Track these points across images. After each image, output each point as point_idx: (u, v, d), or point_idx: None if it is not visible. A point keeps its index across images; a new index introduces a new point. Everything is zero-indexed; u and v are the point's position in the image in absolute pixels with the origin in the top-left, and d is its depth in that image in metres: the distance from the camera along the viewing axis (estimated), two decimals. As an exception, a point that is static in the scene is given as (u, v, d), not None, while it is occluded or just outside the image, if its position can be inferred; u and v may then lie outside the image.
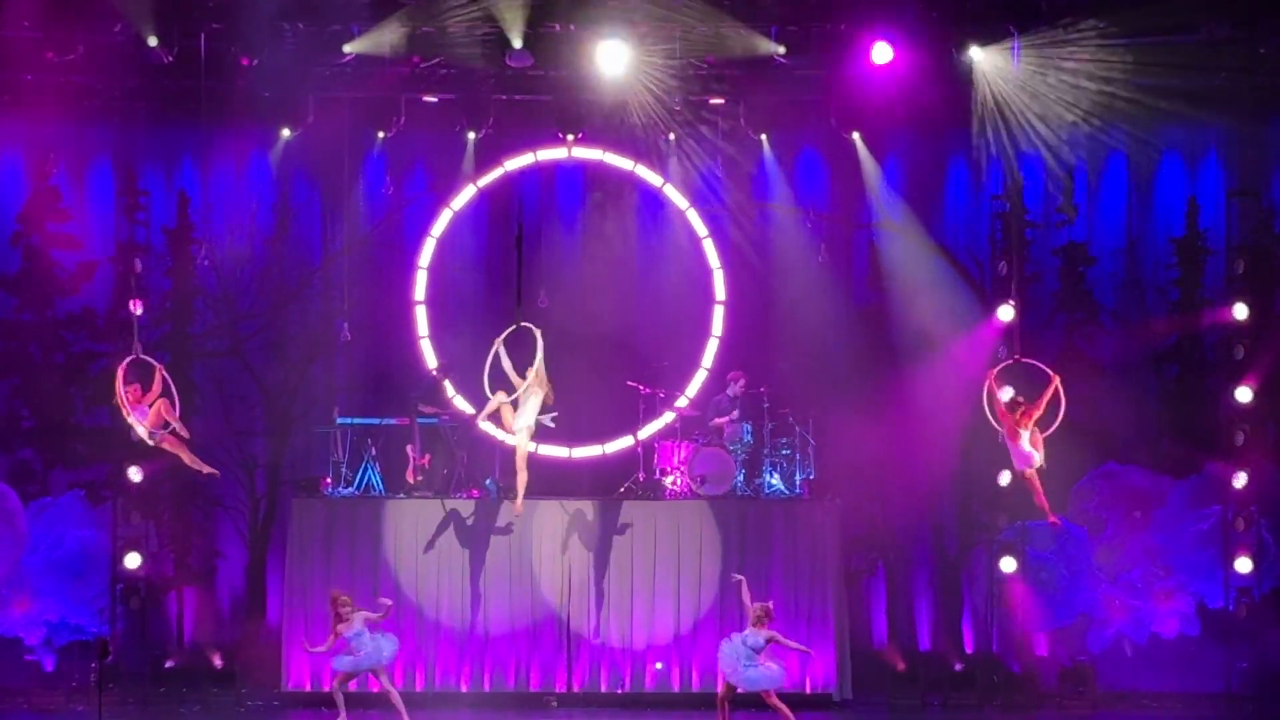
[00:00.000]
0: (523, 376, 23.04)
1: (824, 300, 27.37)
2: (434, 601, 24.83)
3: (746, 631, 21.45)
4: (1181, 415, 26.97)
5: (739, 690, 21.53)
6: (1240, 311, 25.87)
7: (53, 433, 26.78)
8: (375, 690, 22.61)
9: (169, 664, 26.17)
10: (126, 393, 22.27)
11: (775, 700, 21.50)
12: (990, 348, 25.33)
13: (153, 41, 24.65)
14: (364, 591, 24.63)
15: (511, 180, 27.54)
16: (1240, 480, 25.61)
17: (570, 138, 26.99)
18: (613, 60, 24.91)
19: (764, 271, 27.71)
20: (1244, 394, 25.62)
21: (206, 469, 22.90)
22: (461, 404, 26.26)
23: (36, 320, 27.18)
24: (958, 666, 26.25)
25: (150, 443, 22.47)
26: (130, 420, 22.34)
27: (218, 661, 26.08)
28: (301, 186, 27.72)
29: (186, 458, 22.61)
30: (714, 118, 26.83)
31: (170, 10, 24.69)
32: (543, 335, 23.10)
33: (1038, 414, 21.97)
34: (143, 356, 22.76)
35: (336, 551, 25.04)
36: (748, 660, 21.34)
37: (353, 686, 22.34)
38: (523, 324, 23.28)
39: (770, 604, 21.59)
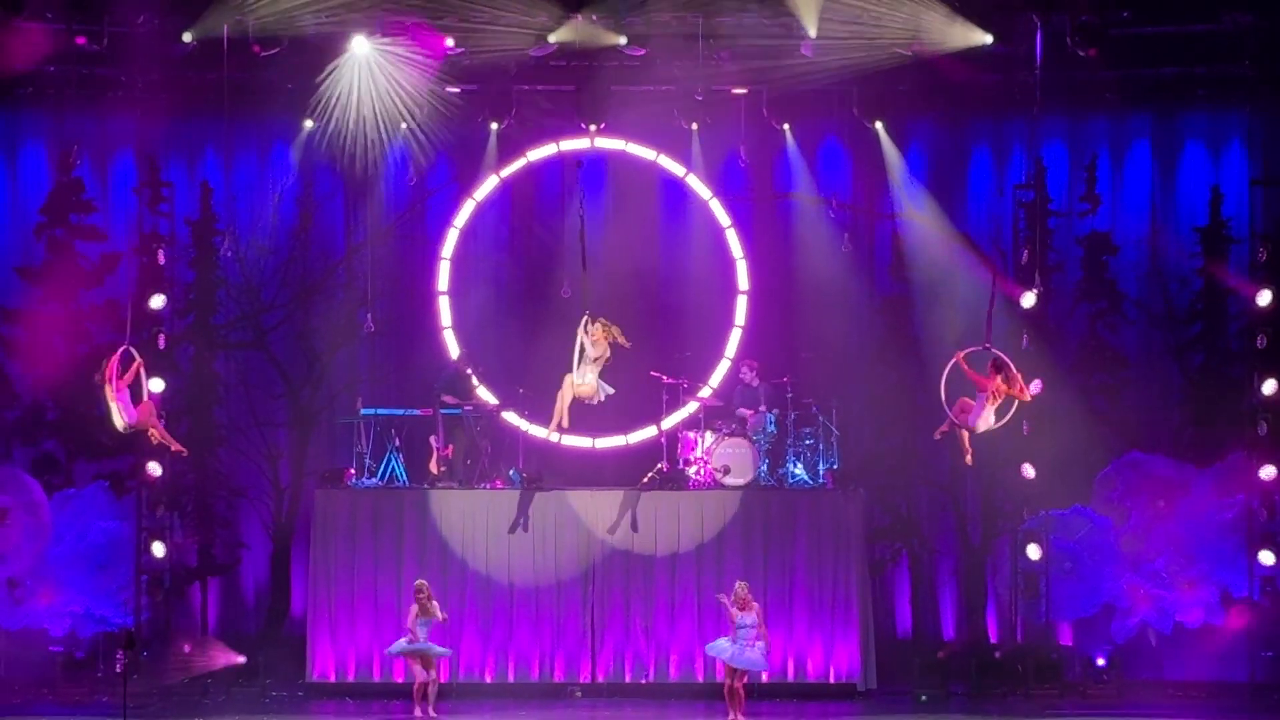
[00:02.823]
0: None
1: (847, 290, 27.35)
2: (458, 592, 24.85)
3: (739, 614, 21.97)
4: (1205, 404, 26.90)
5: (736, 669, 22.10)
6: (1264, 300, 25.79)
7: (77, 424, 26.73)
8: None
9: (192, 654, 26.17)
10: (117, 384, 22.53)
11: (740, 687, 22.23)
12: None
13: (187, 37, 24.77)
14: (388, 583, 24.72)
15: (534, 170, 27.56)
16: (1265, 471, 25.52)
17: (593, 128, 26.99)
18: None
19: (787, 261, 27.68)
20: (1269, 386, 25.51)
21: (176, 445, 23.16)
22: (484, 394, 26.26)
23: (60, 312, 27.19)
24: (996, 655, 26.13)
25: (121, 427, 22.64)
26: (114, 406, 22.49)
27: (242, 652, 26.07)
28: (325, 178, 27.74)
29: (159, 435, 22.87)
30: (737, 107, 26.80)
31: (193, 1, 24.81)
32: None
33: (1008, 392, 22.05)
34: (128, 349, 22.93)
35: (360, 542, 25.08)
36: (743, 640, 21.93)
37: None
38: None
39: (746, 583, 22.32)
